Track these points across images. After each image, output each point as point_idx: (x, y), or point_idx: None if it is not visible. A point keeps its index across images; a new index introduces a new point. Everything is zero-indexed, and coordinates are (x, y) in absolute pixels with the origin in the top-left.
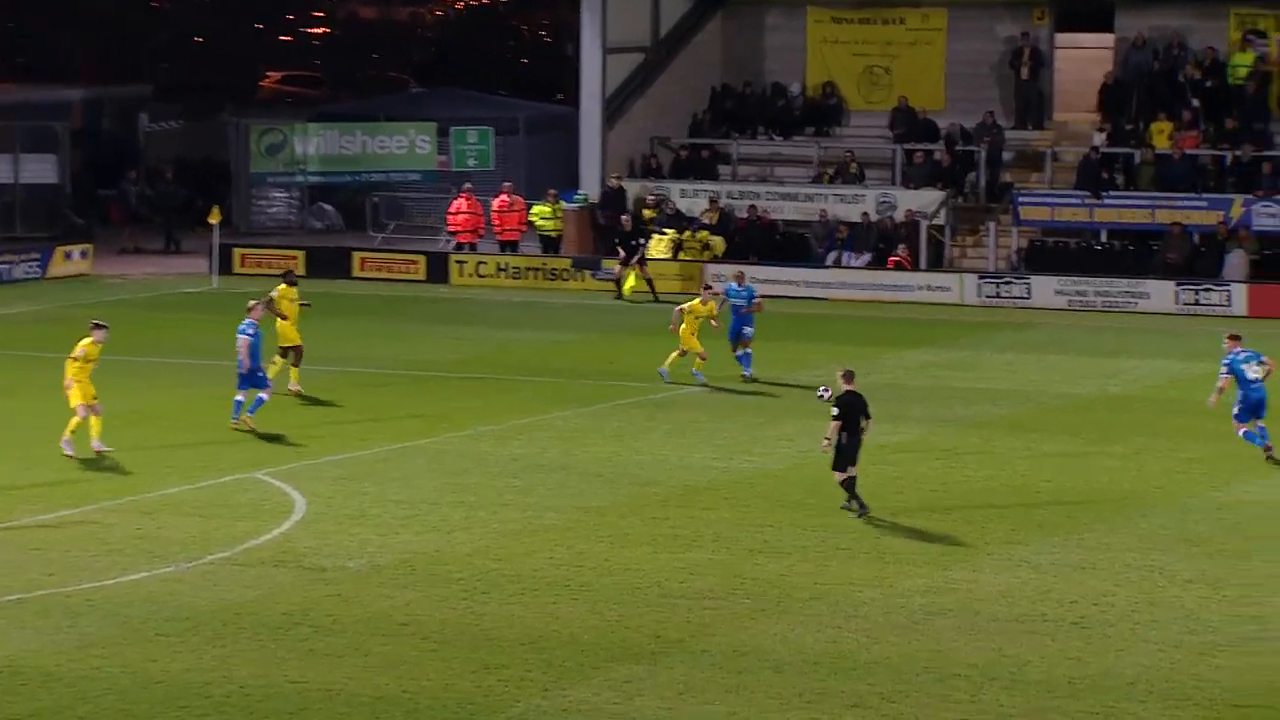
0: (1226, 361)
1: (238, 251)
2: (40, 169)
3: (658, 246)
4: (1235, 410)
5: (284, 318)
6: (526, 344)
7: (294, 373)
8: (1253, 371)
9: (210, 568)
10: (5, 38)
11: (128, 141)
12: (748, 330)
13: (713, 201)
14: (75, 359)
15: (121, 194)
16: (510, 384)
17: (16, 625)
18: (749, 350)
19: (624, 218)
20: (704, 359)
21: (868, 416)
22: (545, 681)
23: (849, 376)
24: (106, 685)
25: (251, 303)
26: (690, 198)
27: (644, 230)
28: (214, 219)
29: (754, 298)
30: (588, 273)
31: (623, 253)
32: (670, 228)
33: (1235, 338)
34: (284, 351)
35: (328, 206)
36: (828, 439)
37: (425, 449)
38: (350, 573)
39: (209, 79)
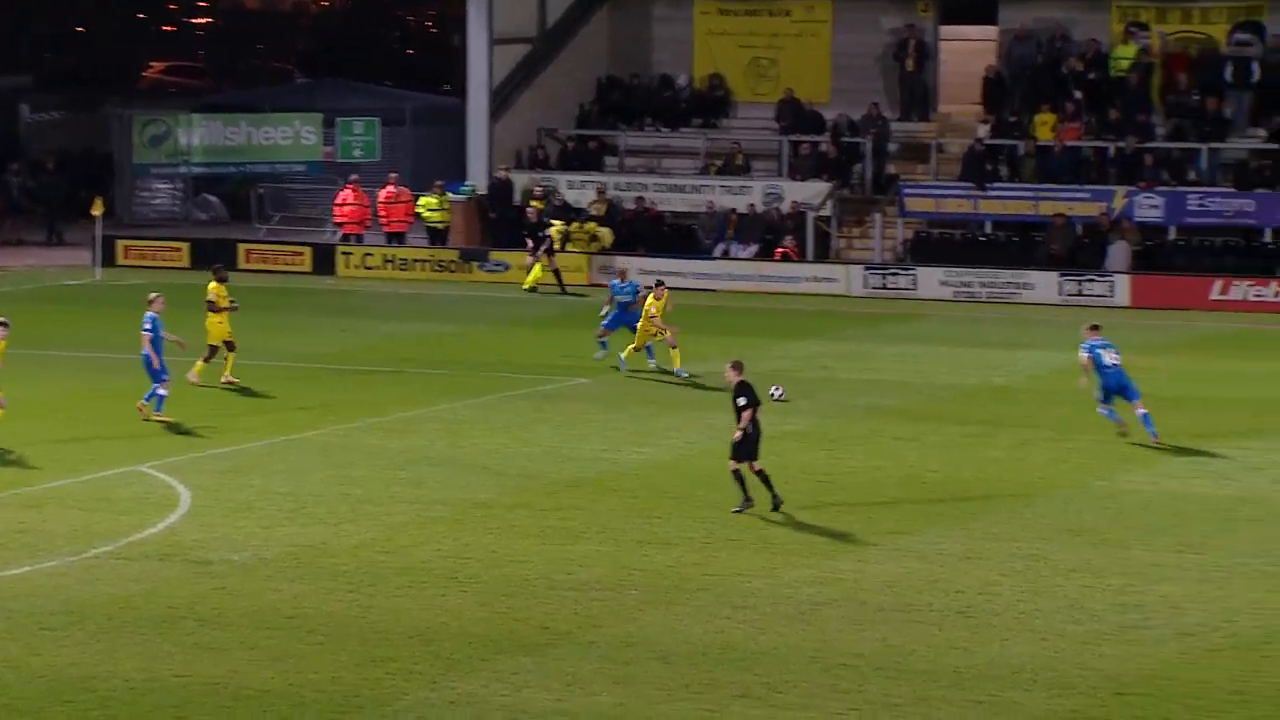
0: (1085, 346)
1: (121, 243)
2: None
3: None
4: (1098, 396)
5: (227, 309)
6: (414, 336)
7: (229, 360)
8: (1110, 357)
9: (94, 561)
10: None
11: (8, 133)
12: (635, 325)
13: (600, 193)
14: None
15: (2, 185)
16: (398, 376)
17: None
18: (650, 344)
19: (530, 209)
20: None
21: (758, 404)
22: (433, 674)
23: (739, 367)
24: None
25: (152, 295)
26: (578, 189)
27: (547, 223)
28: (97, 210)
29: (638, 292)
30: (475, 264)
31: (530, 243)
32: (558, 219)
33: (1095, 328)
34: (212, 349)
35: (212, 198)
36: (741, 429)
37: (312, 441)
38: (236, 566)
39: (91, 70)
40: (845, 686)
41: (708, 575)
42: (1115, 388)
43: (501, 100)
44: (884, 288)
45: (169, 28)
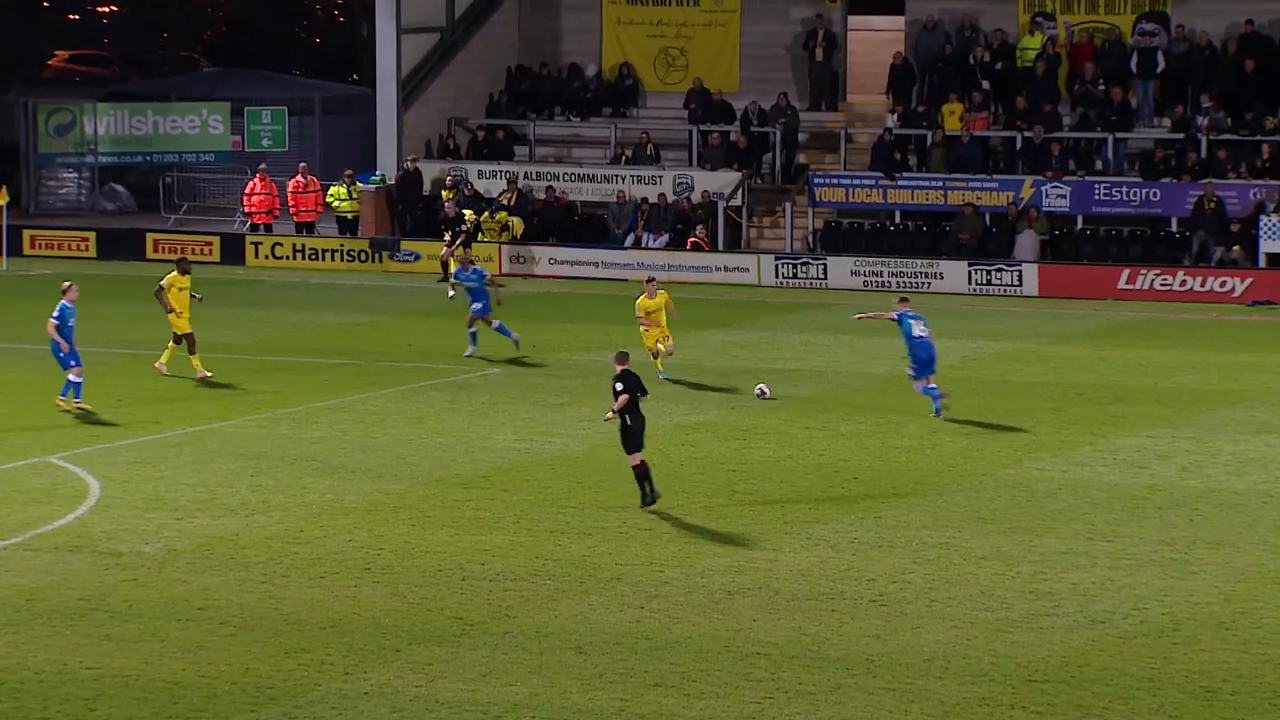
0: (895, 316)
1: (27, 233)
2: None
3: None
4: (910, 371)
5: (171, 310)
6: (325, 326)
7: (195, 360)
8: (919, 328)
9: (2, 553)
10: None
11: None
12: (478, 307)
13: (511, 182)
14: None
15: None
16: (309, 366)
17: None
18: (476, 330)
19: (448, 202)
20: (670, 354)
21: (644, 393)
22: (346, 665)
23: (623, 358)
24: None
25: (65, 284)
26: (488, 179)
27: (462, 215)
28: (1, 200)
29: (485, 278)
30: (386, 254)
31: (448, 236)
32: (468, 209)
33: (905, 300)
34: (178, 340)
35: (119, 187)
36: (614, 412)
37: (222, 432)
38: (146, 557)
39: None
40: (759, 675)
41: (621, 565)
42: (926, 359)
43: (411, 90)
44: (794, 278)
45: (73, 16)
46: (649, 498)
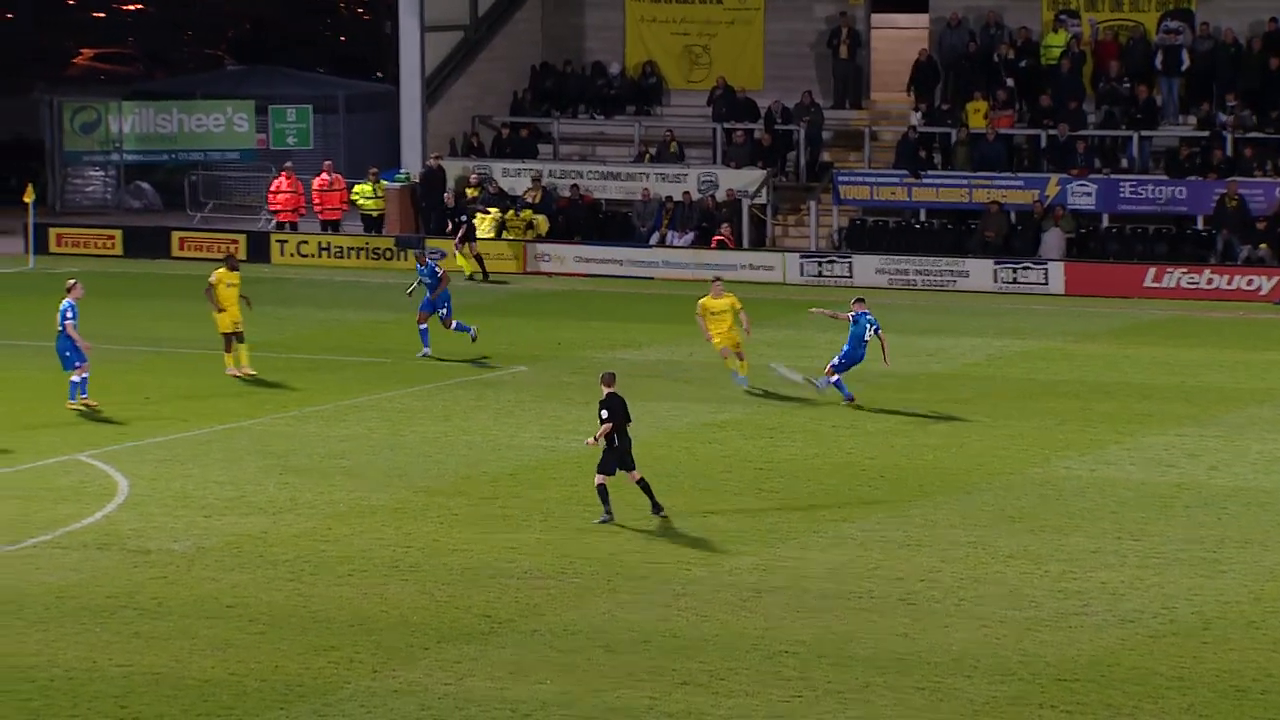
0: (852, 316)
1: (54, 231)
2: None
3: (482, 225)
4: (836, 361)
5: (221, 309)
6: (350, 324)
7: (243, 355)
8: (870, 334)
9: (32, 551)
10: None
11: None
12: (442, 310)
13: (535, 180)
14: None
15: None
16: (336, 364)
17: None
18: (426, 327)
19: (446, 195)
20: (741, 358)
21: (629, 419)
22: (375, 663)
23: (610, 379)
24: None
25: (70, 282)
26: (512, 177)
27: (466, 208)
28: (28, 197)
29: (437, 274)
30: (411, 252)
31: (449, 227)
32: (494, 206)
33: (860, 300)
34: (227, 338)
35: (145, 185)
36: (596, 438)
37: (250, 430)
38: (175, 555)
39: (19, 56)
40: (788, 673)
41: (649, 563)
42: (858, 360)
43: (435, 88)
44: (820, 275)
45: (98, 14)
46: (657, 508)
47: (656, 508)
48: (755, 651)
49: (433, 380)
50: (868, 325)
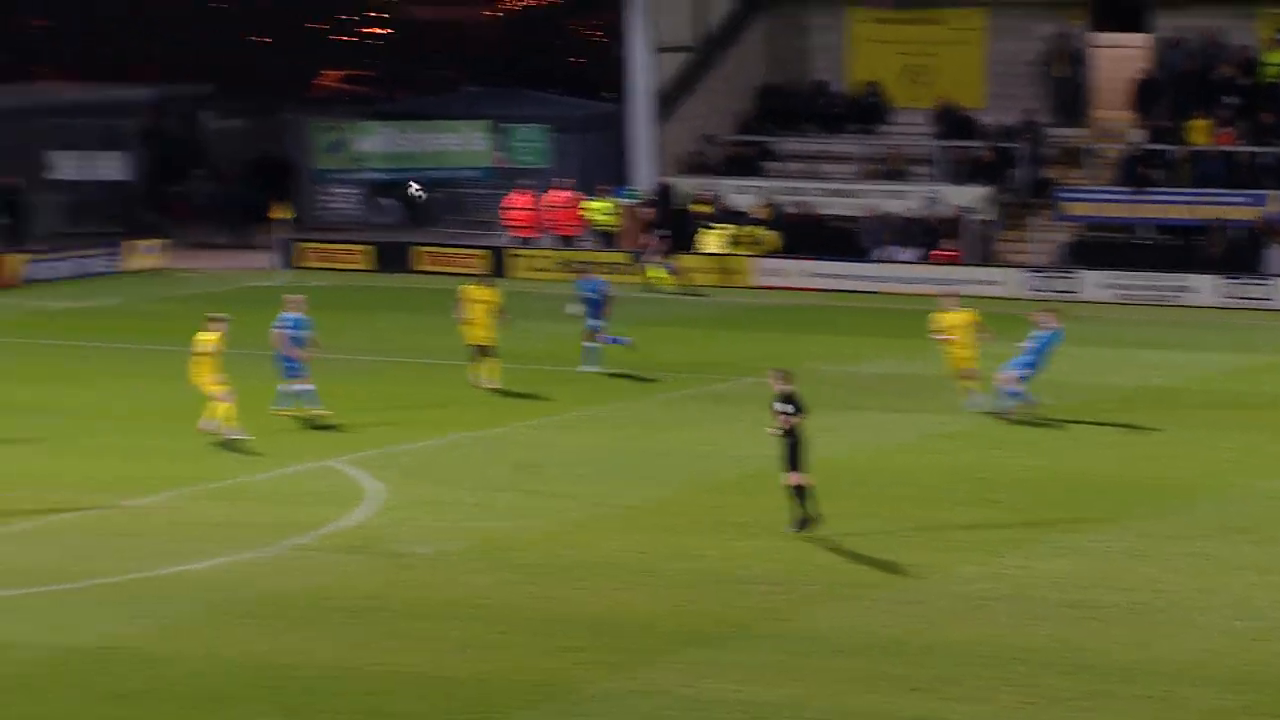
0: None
1: (303, 246)
2: (111, 166)
3: (714, 242)
4: (1021, 373)
5: (469, 322)
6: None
7: (491, 369)
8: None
9: (289, 553)
10: (74, 37)
11: (191, 139)
12: (595, 324)
13: (764, 197)
14: (199, 353)
15: (189, 190)
16: (570, 375)
17: (108, 607)
18: (595, 344)
19: (646, 210)
20: (975, 378)
21: (802, 412)
22: (614, 663)
23: (783, 377)
24: (191, 667)
25: (292, 296)
26: (740, 194)
27: (694, 224)
28: (283, 214)
29: (604, 292)
30: (646, 264)
31: (644, 237)
32: (725, 223)
33: (1050, 313)
34: (476, 350)
35: (390, 201)
36: (783, 429)
37: (494, 438)
38: (424, 558)
39: (268, 78)
40: (1017, 681)
41: (877, 571)
42: (1037, 371)
43: (664, 107)
44: (1045, 290)
45: (344, 38)
46: (803, 522)
47: (801, 522)
48: (984, 659)
49: (664, 391)
50: (1050, 339)
